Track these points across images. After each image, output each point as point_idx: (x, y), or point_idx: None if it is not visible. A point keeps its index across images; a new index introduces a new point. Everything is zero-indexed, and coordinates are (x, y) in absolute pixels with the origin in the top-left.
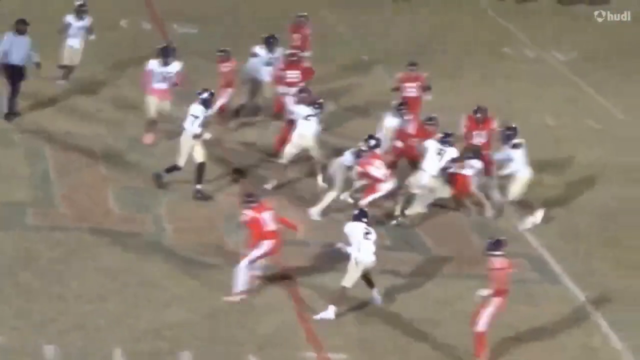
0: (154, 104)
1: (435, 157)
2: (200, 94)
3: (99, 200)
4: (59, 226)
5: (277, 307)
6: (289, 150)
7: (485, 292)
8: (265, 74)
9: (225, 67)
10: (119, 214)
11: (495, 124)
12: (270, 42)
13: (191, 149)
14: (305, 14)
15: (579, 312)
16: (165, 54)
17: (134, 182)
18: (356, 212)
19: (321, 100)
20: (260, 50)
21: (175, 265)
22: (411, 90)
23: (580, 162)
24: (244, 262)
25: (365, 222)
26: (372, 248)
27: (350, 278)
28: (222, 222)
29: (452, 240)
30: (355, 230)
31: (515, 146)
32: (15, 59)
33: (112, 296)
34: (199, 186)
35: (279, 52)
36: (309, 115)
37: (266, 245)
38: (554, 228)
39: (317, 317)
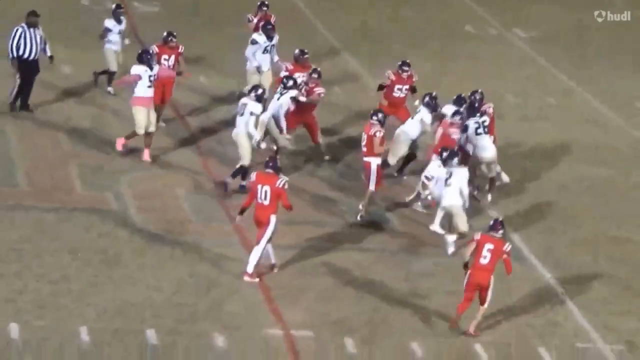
0: (144, 116)
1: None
2: (252, 91)
3: (61, 178)
4: (20, 205)
5: (243, 285)
6: None
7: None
8: (264, 62)
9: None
10: (81, 192)
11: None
12: (267, 29)
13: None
14: (267, 2)
15: (544, 289)
16: (149, 57)
17: (97, 161)
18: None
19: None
20: (258, 37)
21: (139, 243)
22: (400, 91)
23: (543, 141)
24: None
25: (459, 167)
26: (453, 192)
27: (436, 220)
28: (186, 200)
29: (415, 219)
30: (440, 174)
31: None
32: (30, 53)
33: (74, 275)
34: (243, 182)
35: (276, 38)
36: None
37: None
38: (518, 207)
39: (449, 253)
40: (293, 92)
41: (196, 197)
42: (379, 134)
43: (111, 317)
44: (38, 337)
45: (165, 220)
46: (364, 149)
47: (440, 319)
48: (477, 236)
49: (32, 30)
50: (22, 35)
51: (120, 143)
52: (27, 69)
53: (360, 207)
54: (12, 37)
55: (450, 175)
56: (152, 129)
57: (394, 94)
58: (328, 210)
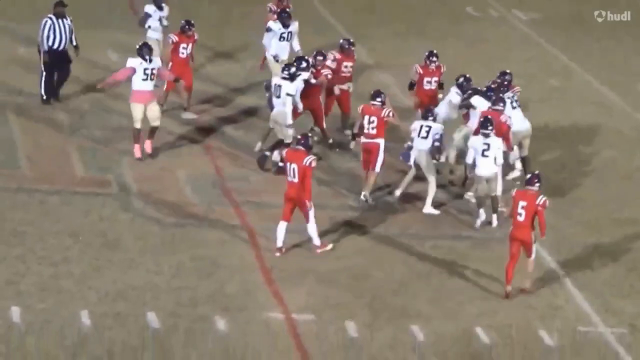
0: (140, 111)
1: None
2: (285, 69)
3: (63, 161)
4: (23, 188)
5: (242, 268)
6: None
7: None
8: (281, 50)
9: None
10: (83, 175)
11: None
12: (283, 17)
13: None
14: None
15: (545, 271)
16: (148, 50)
17: (99, 144)
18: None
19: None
20: (273, 24)
21: (139, 226)
22: (429, 83)
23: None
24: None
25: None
26: (489, 162)
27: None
28: (188, 184)
29: (415, 202)
30: (476, 146)
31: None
32: (60, 43)
33: (75, 258)
34: (268, 153)
35: (294, 26)
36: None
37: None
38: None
39: (482, 223)
40: (305, 75)
41: (198, 180)
42: (391, 113)
43: (112, 300)
44: (39, 320)
45: (166, 204)
46: (372, 132)
47: (441, 302)
48: (513, 193)
49: (60, 20)
50: (51, 27)
51: (137, 150)
52: (57, 59)
53: (363, 191)
54: (41, 29)
55: (488, 147)
56: (156, 123)
57: (424, 87)
58: (331, 193)
